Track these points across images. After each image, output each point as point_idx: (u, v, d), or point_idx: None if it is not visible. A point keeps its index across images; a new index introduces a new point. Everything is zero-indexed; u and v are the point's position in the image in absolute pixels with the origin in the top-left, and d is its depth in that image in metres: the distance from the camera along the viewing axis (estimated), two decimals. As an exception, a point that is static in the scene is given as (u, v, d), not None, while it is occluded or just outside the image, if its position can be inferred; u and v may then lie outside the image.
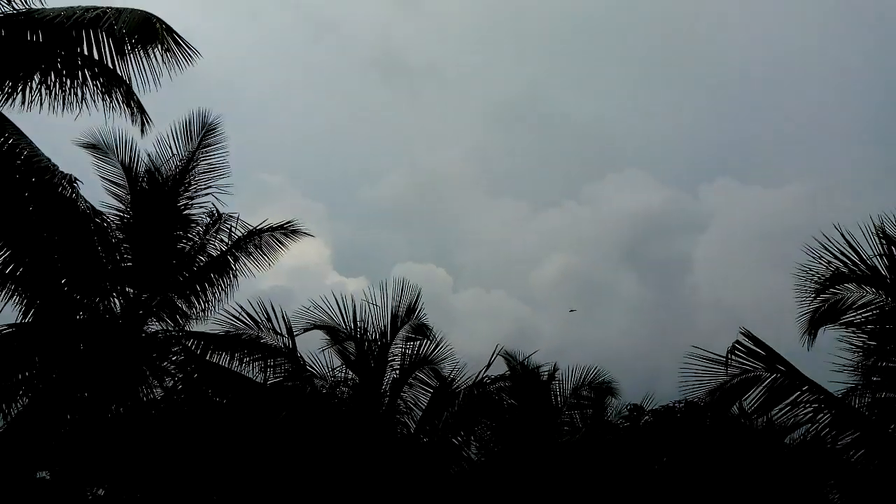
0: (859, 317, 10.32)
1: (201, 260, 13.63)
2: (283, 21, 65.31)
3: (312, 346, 13.74)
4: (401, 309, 13.97)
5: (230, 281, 13.80)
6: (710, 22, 59.62)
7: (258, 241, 14.00)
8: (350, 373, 13.42)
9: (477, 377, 12.89)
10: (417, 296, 14.05)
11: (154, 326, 13.13)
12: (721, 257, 47.20)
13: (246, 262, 14.17)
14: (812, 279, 10.66)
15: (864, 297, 10.37)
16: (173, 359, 12.88)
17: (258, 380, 12.92)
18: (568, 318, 44.85)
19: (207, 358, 12.84)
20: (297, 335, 13.17)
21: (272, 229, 14.25)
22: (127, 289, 12.79)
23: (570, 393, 14.81)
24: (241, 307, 12.97)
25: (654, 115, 62.91)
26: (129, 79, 9.58)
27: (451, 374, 13.57)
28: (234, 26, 59.92)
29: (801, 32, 56.83)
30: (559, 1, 63.80)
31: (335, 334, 13.81)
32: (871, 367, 10.15)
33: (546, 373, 14.61)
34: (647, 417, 14.44)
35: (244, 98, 58.39)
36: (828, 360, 10.44)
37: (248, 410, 12.38)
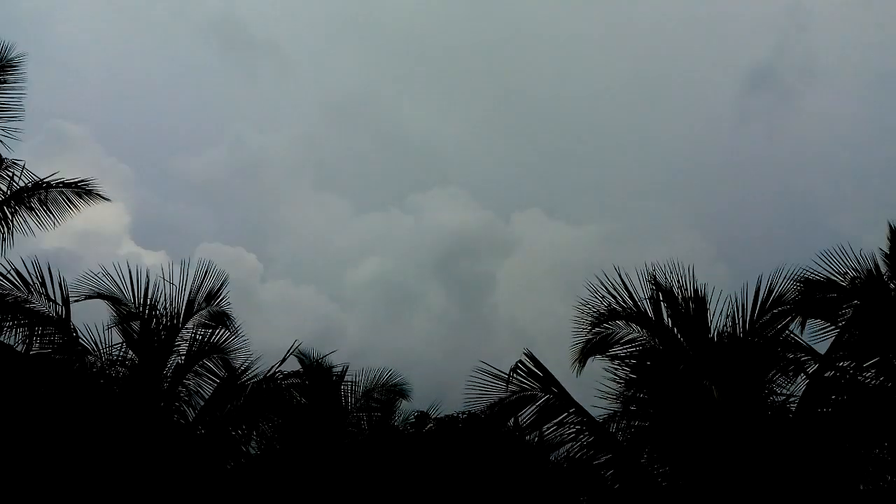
0: (624, 351, 11.48)
1: (-30, 207, 12.03)
2: (117, -37, 59.87)
3: (96, 319, 12.62)
4: (200, 293, 13.27)
5: (3, 235, 12.31)
6: (544, 70, 63.96)
7: (44, 196, 12.65)
8: (131, 352, 12.48)
9: (269, 371, 12.55)
10: (223, 283, 13.43)
11: None
12: (521, 282, 50.37)
13: (26, 216, 12.76)
14: (589, 313, 11.71)
15: (631, 333, 11.57)
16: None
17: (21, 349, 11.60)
18: (374, 321, 45.32)
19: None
20: (75, 302, 12.03)
21: (63, 185, 12.93)
22: None
23: (362, 395, 14.90)
24: (12, 265, 11.59)
25: (483, 142, 65.80)
26: None
27: (242, 365, 13.10)
28: (58, -43, 53.87)
29: (623, 97, 62.62)
30: (416, 15, 64.79)
31: (121, 308, 12.80)
32: (630, 397, 11.29)
33: (337, 373, 14.56)
34: (430, 425, 14.95)
35: (57, 35, 52.72)
36: (596, 386, 11.47)
37: (3, 382, 11.05)
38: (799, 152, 56.43)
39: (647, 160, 60.07)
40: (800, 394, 10.83)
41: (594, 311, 11.59)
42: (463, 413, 14.08)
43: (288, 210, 59.17)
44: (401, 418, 15.48)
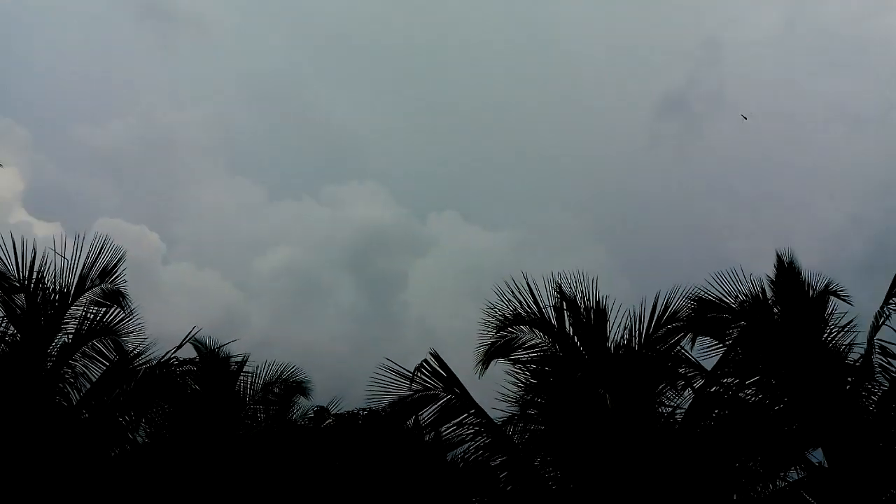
0: (527, 356, 11.73)
1: None
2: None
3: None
4: (94, 269, 12.59)
5: None
6: (471, 79, 64.85)
7: (-75, 154, 11.64)
8: (12, 328, 11.68)
9: (163, 357, 12.03)
10: (119, 259, 12.79)
11: None
12: (434, 282, 50.73)
13: None
14: (496, 316, 11.90)
15: (534, 339, 11.82)
16: None
17: None
18: (279, 312, 44.44)
19: None
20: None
21: (-52, 144, 11.97)
22: None
23: (261, 388, 14.50)
24: None
25: (406, 140, 65.90)
26: None
27: (135, 349, 12.52)
28: None
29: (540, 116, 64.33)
30: (352, 4, 64.06)
31: (3, 283, 11.97)
32: (528, 401, 11.56)
33: (236, 364, 14.13)
34: (329, 420, 14.77)
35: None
36: (498, 389, 11.67)
37: None
38: (702, 178, 59.64)
39: (562, 174, 61.95)
40: (686, 407, 11.41)
41: (500, 315, 11.79)
42: (363, 410, 13.98)
43: (197, 190, 57.23)
44: (299, 412, 15.19)
